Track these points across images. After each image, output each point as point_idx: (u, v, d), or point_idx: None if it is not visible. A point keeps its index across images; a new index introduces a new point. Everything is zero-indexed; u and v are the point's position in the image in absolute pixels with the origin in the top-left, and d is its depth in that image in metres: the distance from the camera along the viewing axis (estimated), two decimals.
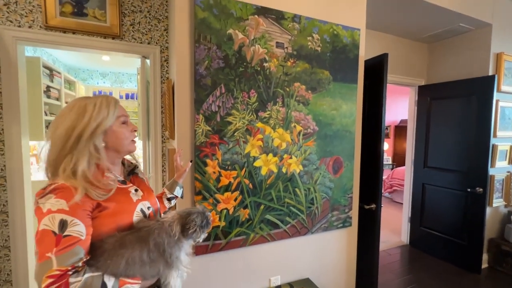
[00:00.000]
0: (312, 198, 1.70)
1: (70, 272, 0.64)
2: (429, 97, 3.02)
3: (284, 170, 1.60)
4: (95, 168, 0.77)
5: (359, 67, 1.80)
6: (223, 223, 1.45)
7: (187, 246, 0.84)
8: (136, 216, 0.83)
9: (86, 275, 0.65)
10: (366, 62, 1.92)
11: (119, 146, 0.84)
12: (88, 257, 0.70)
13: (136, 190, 0.87)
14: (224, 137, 1.43)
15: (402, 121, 6.54)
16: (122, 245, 0.73)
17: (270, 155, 1.55)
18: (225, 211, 1.46)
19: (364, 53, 1.85)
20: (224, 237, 1.47)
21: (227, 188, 1.46)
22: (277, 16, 1.52)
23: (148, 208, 0.89)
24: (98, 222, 0.74)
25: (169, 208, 1.16)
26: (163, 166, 2.05)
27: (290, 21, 1.55)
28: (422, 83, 3.15)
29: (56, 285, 0.61)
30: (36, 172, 3.05)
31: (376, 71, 1.89)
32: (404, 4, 2.20)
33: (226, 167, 1.45)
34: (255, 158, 1.51)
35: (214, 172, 1.42)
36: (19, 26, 1.65)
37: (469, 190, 2.62)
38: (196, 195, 1.39)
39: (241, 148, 1.48)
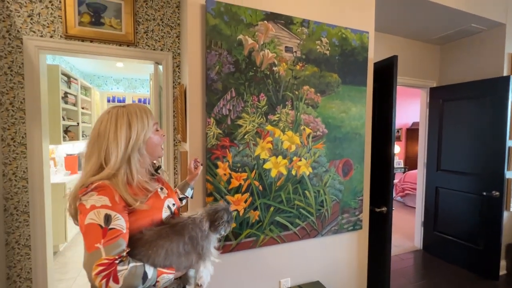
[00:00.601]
0: (322, 200, 1.70)
1: (117, 261, 0.69)
2: (441, 99, 2.97)
3: (293, 172, 1.61)
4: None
5: (368, 70, 1.80)
6: (233, 225, 1.48)
7: (214, 240, 0.91)
8: (165, 212, 0.89)
9: (131, 264, 0.71)
10: (376, 64, 1.92)
11: (154, 152, 0.91)
12: (129, 249, 0.75)
13: (161, 188, 0.94)
14: (234, 140, 1.46)
15: (414, 123, 6.42)
16: (160, 237, 0.80)
17: (280, 157, 1.57)
18: (235, 212, 1.48)
19: (374, 56, 1.86)
20: (234, 238, 1.49)
21: (237, 190, 1.48)
22: (286, 21, 1.55)
23: (173, 205, 0.96)
24: (134, 217, 0.80)
25: (181, 207, 1.20)
26: (175, 168, 2.10)
27: (299, 26, 1.58)
28: (433, 85, 3.11)
29: (106, 272, 0.66)
30: (54, 175, 3.17)
31: (386, 74, 1.89)
32: (414, 6, 2.20)
33: (237, 169, 1.48)
34: (264, 161, 1.54)
35: (225, 174, 1.45)
36: (41, 36, 1.75)
37: (484, 193, 2.55)
38: (208, 196, 1.43)
39: (251, 150, 1.50)
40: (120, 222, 0.74)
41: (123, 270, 0.69)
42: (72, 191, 0.80)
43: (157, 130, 0.92)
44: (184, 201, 1.22)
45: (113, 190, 0.77)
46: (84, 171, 0.82)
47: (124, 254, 0.72)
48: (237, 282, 1.55)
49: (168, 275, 0.77)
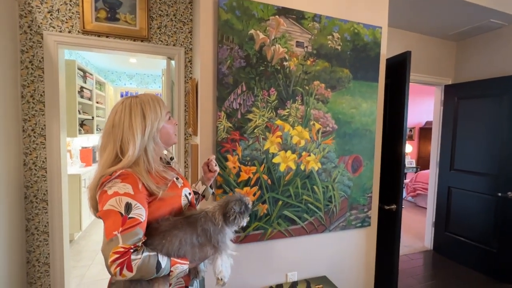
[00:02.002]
0: (330, 196, 1.71)
1: (131, 250, 0.71)
2: (456, 96, 2.89)
3: (302, 167, 1.62)
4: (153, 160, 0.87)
5: (380, 66, 1.78)
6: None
7: (230, 232, 0.90)
8: (183, 200, 0.92)
9: (145, 254, 0.72)
10: (388, 60, 1.89)
11: (168, 140, 0.93)
12: (145, 238, 0.77)
13: (177, 178, 0.95)
14: (244, 134, 1.49)
15: (427, 123, 6.26)
16: (175, 227, 0.81)
17: (289, 152, 1.58)
18: (252, 202, 1.51)
19: (386, 51, 1.83)
20: (243, 230, 1.52)
21: (246, 183, 1.51)
22: (298, 16, 1.55)
23: (189, 194, 0.97)
24: (156, 205, 0.82)
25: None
26: (185, 162, 2.14)
27: (311, 21, 1.58)
28: (449, 82, 3.03)
29: (121, 260, 0.68)
30: (69, 167, 3.29)
31: (398, 70, 1.86)
32: (430, 1, 2.14)
33: (246, 162, 1.50)
34: (274, 155, 1.55)
35: (234, 167, 1.48)
36: (60, 31, 1.81)
37: (499, 194, 2.48)
38: (217, 188, 1.46)
39: (260, 144, 1.52)
40: (140, 212, 0.75)
41: (137, 259, 0.70)
42: (92, 183, 0.81)
43: (170, 119, 0.94)
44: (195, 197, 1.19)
45: (137, 178, 0.78)
46: (100, 162, 0.84)
47: (140, 243, 0.73)
48: (245, 273, 1.58)
49: (182, 266, 0.78)
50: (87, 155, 3.73)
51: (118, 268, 0.68)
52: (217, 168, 1.15)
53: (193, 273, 0.90)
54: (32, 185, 1.83)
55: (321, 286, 1.62)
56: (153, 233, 0.79)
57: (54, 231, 1.89)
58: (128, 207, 0.74)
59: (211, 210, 0.88)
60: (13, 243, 1.71)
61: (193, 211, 0.90)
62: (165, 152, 1.04)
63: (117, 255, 0.68)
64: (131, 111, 0.85)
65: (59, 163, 1.88)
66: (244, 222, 0.91)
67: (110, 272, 0.69)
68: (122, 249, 0.69)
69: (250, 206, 0.93)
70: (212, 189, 1.22)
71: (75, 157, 3.75)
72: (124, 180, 0.77)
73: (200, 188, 1.17)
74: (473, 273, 2.68)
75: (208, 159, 1.15)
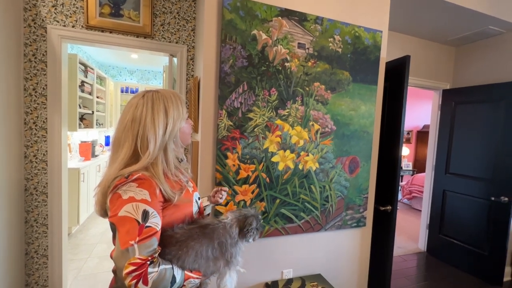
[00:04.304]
0: (327, 195, 1.74)
1: (148, 262, 0.66)
2: (454, 101, 2.93)
3: (300, 166, 1.65)
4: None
5: (380, 69, 1.81)
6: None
7: (242, 248, 0.87)
8: (194, 206, 0.88)
9: (161, 267, 0.68)
10: (388, 63, 1.92)
11: (185, 140, 0.88)
12: (160, 249, 0.72)
13: (187, 182, 0.90)
14: (244, 132, 1.51)
15: (425, 126, 6.32)
16: (191, 237, 0.77)
17: (288, 151, 1.61)
18: (242, 202, 1.54)
19: (386, 55, 1.86)
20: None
21: (245, 180, 1.53)
22: (300, 18, 1.57)
23: (199, 198, 0.94)
24: (169, 211, 0.79)
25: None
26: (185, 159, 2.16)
27: (313, 23, 1.60)
28: (447, 87, 3.07)
29: (137, 273, 0.64)
30: (69, 160, 3.30)
31: (397, 73, 1.89)
32: (430, 6, 2.17)
33: (245, 160, 1.52)
34: (273, 154, 1.58)
35: (234, 165, 1.50)
36: (64, 26, 1.82)
37: (493, 198, 2.53)
38: (217, 185, 1.48)
39: (260, 143, 1.55)
40: (156, 220, 0.71)
41: (154, 272, 0.66)
42: (104, 182, 0.75)
43: (187, 118, 0.88)
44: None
45: (154, 183, 0.73)
46: (116, 158, 0.77)
47: (156, 255, 0.69)
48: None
49: (195, 280, 0.75)
50: (86, 149, 3.74)
51: (134, 281, 0.64)
52: (220, 201, 1.14)
53: (202, 284, 0.88)
54: (32, 177, 1.85)
55: (315, 283, 1.65)
56: (169, 242, 0.75)
57: (53, 224, 1.91)
58: (146, 215, 0.69)
59: (228, 222, 0.85)
60: (12, 234, 1.73)
61: (208, 220, 0.86)
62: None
63: (133, 267, 0.64)
64: (154, 105, 0.78)
65: (59, 156, 1.90)
66: (255, 239, 0.88)
67: (124, 283, 0.65)
68: (139, 261, 0.65)
69: (261, 222, 0.92)
70: (211, 208, 1.19)
71: (74, 151, 3.76)
72: (141, 185, 0.71)
73: (204, 202, 1.14)
74: (465, 275, 2.73)
75: (220, 189, 1.13)
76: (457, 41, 2.87)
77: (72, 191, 3.05)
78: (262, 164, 1.56)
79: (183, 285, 0.73)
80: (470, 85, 2.87)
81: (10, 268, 1.71)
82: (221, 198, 1.13)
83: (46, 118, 1.85)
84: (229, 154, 1.49)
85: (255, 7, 1.47)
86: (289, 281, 1.67)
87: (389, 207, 1.90)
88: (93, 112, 3.92)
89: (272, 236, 1.64)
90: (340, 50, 1.68)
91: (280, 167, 1.60)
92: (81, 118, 3.74)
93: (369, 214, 1.91)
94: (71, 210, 3.06)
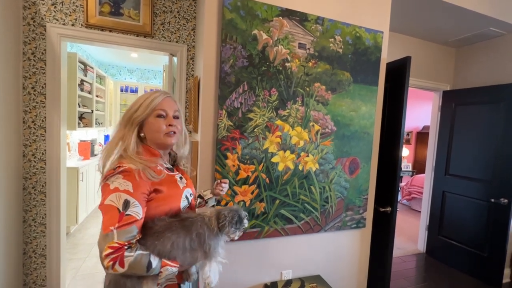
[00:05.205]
0: (326, 196, 1.73)
1: (125, 247, 0.74)
2: (454, 102, 2.93)
3: (300, 167, 1.64)
4: (144, 150, 0.89)
5: (381, 70, 1.81)
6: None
7: (222, 240, 0.90)
8: (183, 201, 0.92)
9: (138, 252, 0.75)
10: (388, 64, 1.92)
11: (154, 138, 0.90)
12: (140, 236, 0.79)
13: (180, 178, 0.95)
14: (244, 133, 1.50)
15: (424, 127, 6.32)
16: (169, 229, 0.81)
17: (288, 152, 1.61)
18: (242, 203, 1.53)
19: (387, 56, 1.86)
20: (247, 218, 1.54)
21: (245, 181, 1.53)
22: (301, 18, 1.57)
23: (190, 195, 0.97)
24: (154, 204, 0.84)
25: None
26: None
27: (313, 23, 1.60)
28: (447, 88, 3.06)
29: (114, 255, 0.72)
30: (68, 159, 3.29)
31: (398, 74, 1.89)
32: (431, 7, 2.17)
33: (245, 161, 1.52)
34: (272, 154, 1.57)
35: (234, 165, 1.50)
36: (64, 24, 1.81)
37: (492, 200, 2.53)
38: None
39: (260, 143, 1.54)
40: (137, 210, 0.78)
41: (130, 256, 0.73)
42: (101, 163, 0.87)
43: (159, 116, 0.89)
44: (198, 201, 1.18)
45: (137, 174, 0.80)
46: (106, 147, 0.88)
47: (134, 241, 0.76)
48: (241, 270, 1.60)
49: (172, 268, 0.79)
50: (85, 149, 3.73)
51: (111, 263, 0.71)
52: (222, 193, 1.15)
53: (185, 275, 0.90)
54: (31, 176, 1.84)
55: (315, 285, 1.65)
56: (147, 233, 0.81)
57: (52, 223, 1.90)
58: (126, 204, 0.76)
59: (208, 215, 0.88)
60: (10, 234, 1.72)
61: (190, 214, 0.90)
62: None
63: (111, 250, 0.72)
64: (137, 100, 0.91)
65: (58, 155, 1.89)
66: (236, 235, 0.90)
67: (103, 265, 0.72)
68: (116, 245, 0.72)
69: (243, 220, 0.91)
70: (215, 202, 1.20)
71: (73, 150, 3.75)
72: (125, 177, 0.79)
73: (207, 195, 1.17)
74: (464, 276, 2.73)
75: (221, 181, 1.15)
76: (458, 42, 2.86)
77: (71, 190, 3.04)
78: (262, 164, 1.55)
79: (160, 272, 0.78)
80: (471, 86, 2.86)
81: (8, 268, 1.70)
82: (221, 190, 1.15)
83: (45, 117, 1.84)
84: (229, 154, 1.48)
85: (255, 6, 1.47)
86: (288, 282, 1.67)
87: (389, 208, 1.90)
88: (92, 111, 3.91)
89: (272, 237, 1.63)
90: (340, 50, 1.68)
91: (280, 167, 1.60)
92: (80, 117, 3.72)
93: (369, 215, 1.90)
94: (70, 209, 3.05)
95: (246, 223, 0.92)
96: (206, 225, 0.85)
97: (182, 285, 0.90)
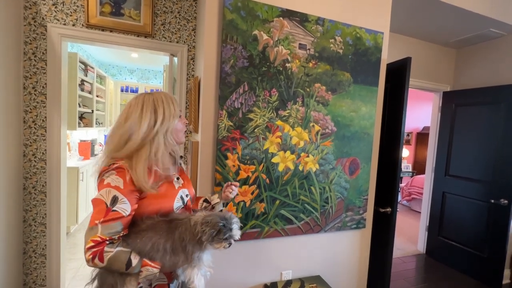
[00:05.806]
0: (327, 197, 1.73)
1: (107, 242, 0.75)
2: (454, 103, 2.93)
3: (300, 168, 1.64)
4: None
5: (381, 71, 1.81)
6: (239, 215, 1.53)
7: (207, 247, 0.82)
8: (177, 202, 0.91)
9: (118, 248, 0.76)
10: (389, 65, 1.92)
11: (178, 138, 0.95)
12: (126, 233, 0.80)
13: (178, 178, 0.96)
14: (244, 133, 1.51)
15: (424, 128, 6.32)
16: (153, 229, 0.81)
17: (288, 152, 1.61)
18: (242, 203, 1.53)
19: (387, 56, 1.86)
20: (239, 228, 1.54)
21: (245, 181, 1.53)
22: (301, 19, 1.57)
23: (186, 195, 0.97)
24: (145, 202, 0.85)
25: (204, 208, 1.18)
26: (185, 159, 2.16)
27: (314, 24, 1.60)
28: (447, 89, 3.06)
29: (95, 249, 0.73)
30: (68, 159, 3.29)
31: (398, 75, 1.89)
32: (431, 8, 2.17)
33: (245, 161, 1.52)
34: (273, 155, 1.57)
35: (234, 166, 1.50)
36: (64, 24, 1.82)
37: (492, 201, 2.53)
38: (216, 186, 1.48)
39: (260, 144, 1.54)
40: (125, 206, 0.78)
41: (109, 252, 0.74)
42: (96, 168, 0.86)
43: (180, 117, 0.96)
44: (204, 205, 1.16)
45: (129, 173, 0.81)
46: (107, 149, 0.86)
47: (116, 237, 0.77)
48: (241, 270, 1.60)
49: (152, 269, 0.78)
50: (85, 149, 3.73)
51: (91, 256, 0.73)
52: (231, 196, 1.12)
53: (174, 274, 0.88)
54: (31, 176, 1.84)
55: (315, 285, 1.65)
56: (133, 230, 0.81)
57: (52, 223, 1.90)
58: (114, 200, 0.77)
59: (194, 219, 0.82)
60: (10, 233, 1.72)
61: (179, 215, 0.87)
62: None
63: (93, 244, 0.73)
64: (143, 105, 0.88)
65: (58, 155, 1.89)
66: (220, 245, 0.81)
67: (85, 258, 0.74)
68: (99, 239, 0.74)
69: (234, 232, 0.83)
70: (223, 206, 1.20)
71: (74, 150, 3.75)
72: (118, 173, 0.80)
73: (214, 200, 1.15)
74: (464, 277, 2.73)
75: (231, 184, 1.13)
76: (458, 43, 2.86)
77: (71, 190, 3.04)
78: (262, 165, 1.55)
79: (140, 271, 0.78)
80: (471, 87, 2.87)
81: (8, 268, 1.70)
82: (231, 193, 1.12)
83: (45, 117, 1.84)
84: (229, 154, 1.48)
85: (256, 7, 1.47)
86: (288, 283, 1.67)
87: (389, 209, 1.90)
88: (92, 111, 3.91)
89: (272, 237, 1.63)
90: (341, 51, 1.68)
91: (280, 168, 1.60)
92: (81, 117, 3.73)
93: (369, 215, 1.90)
94: (70, 209, 3.05)
95: (235, 234, 0.83)
96: (189, 230, 0.80)
97: (171, 284, 0.90)
